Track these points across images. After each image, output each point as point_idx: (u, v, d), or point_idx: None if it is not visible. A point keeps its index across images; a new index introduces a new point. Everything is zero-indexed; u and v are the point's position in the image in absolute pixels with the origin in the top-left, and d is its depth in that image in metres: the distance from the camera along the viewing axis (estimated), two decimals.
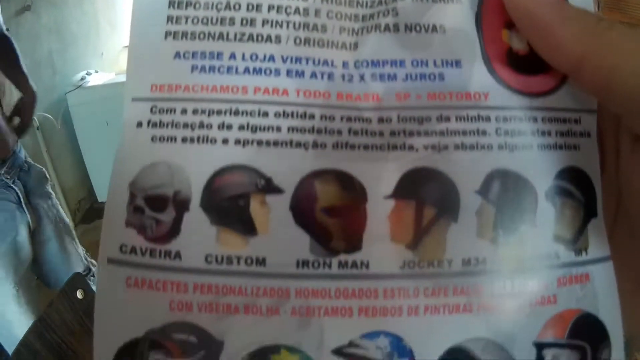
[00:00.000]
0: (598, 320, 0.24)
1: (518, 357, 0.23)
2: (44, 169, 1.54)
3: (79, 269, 1.48)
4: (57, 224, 1.51)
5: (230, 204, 0.23)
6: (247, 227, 0.22)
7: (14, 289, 1.31)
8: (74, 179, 3.29)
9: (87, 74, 4.92)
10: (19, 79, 1.45)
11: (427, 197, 0.23)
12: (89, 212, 3.31)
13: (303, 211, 0.23)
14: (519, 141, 0.24)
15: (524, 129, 0.24)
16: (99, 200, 3.37)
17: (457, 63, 0.24)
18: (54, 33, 3.60)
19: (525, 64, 0.24)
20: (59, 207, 1.55)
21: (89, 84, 4.55)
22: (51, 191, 1.54)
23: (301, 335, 0.22)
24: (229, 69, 0.24)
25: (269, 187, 0.22)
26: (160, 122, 0.24)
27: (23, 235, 1.35)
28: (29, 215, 1.38)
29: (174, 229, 0.23)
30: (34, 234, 1.42)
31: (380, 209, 0.23)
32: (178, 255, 0.22)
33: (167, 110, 0.24)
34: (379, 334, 0.22)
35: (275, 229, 0.23)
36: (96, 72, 5.10)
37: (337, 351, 0.22)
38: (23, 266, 1.37)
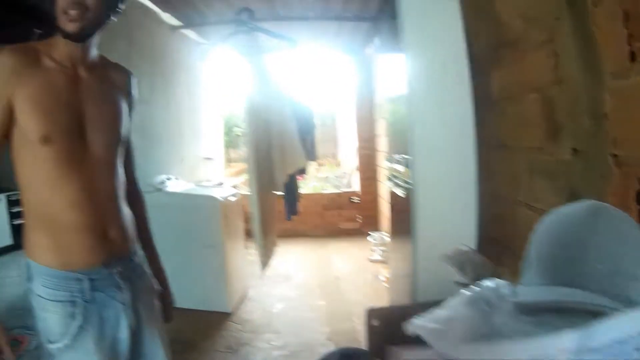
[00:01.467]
0: None
1: None
2: (152, 282, 1.67)
3: None
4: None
5: None
6: None
7: None
8: None
9: (167, 178, 5.00)
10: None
11: None
12: None
13: None
14: None
15: None
16: None
17: None
18: (139, 130, 3.37)
19: None
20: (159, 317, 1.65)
21: (168, 189, 4.62)
22: (155, 302, 1.64)
23: None
24: None
25: None
26: None
27: (124, 334, 1.44)
28: (132, 318, 1.46)
29: None
30: (134, 335, 1.47)
31: None
32: None
33: None
34: None
35: None
36: (176, 178, 5.17)
37: None
38: None
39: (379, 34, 5.97)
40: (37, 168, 1.34)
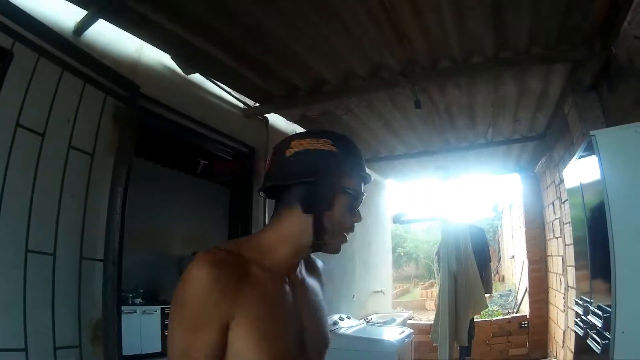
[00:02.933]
0: None
1: None
2: None
3: None
4: None
5: None
6: None
7: None
8: None
9: (340, 318, 4.94)
10: None
11: None
12: None
13: None
14: None
15: None
16: None
17: None
18: None
19: None
20: None
21: (340, 331, 4.49)
22: None
23: None
24: None
25: None
26: None
27: None
28: None
29: None
30: None
31: None
32: None
33: None
34: None
35: None
36: (348, 317, 5.14)
37: None
38: None
39: (547, 151, 5.78)
40: None
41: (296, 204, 1.12)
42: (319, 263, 1.37)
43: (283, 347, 1.06)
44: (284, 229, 1.14)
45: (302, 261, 1.25)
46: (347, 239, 1.18)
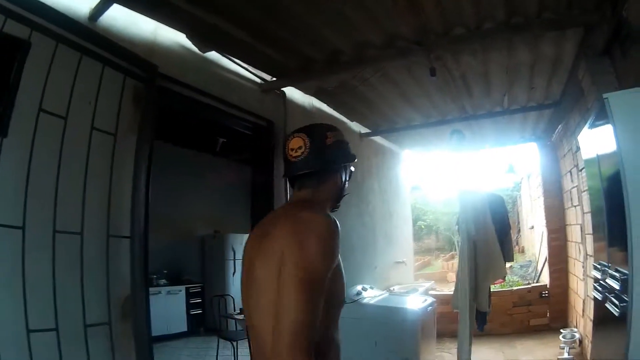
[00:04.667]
0: None
1: None
2: None
3: None
4: None
5: None
6: None
7: None
8: None
9: (363, 289, 5.00)
10: None
11: None
12: None
13: None
14: None
15: None
16: None
17: None
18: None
19: None
20: None
21: (364, 301, 4.58)
22: None
23: None
24: None
25: None
26: None
27: None
28: None
29: None
30: None
31: None
32: None
33: None
34: None
35: None
36: (371, 287, 5.14)
37: None
38: None
39: (563, 119, 5.74)
40: (330, 323, 1.45)
41: (331, 178, 1.60)
42: None
43: (343, 284, 1.51)
44: (324, 195, 1.59)
45: None
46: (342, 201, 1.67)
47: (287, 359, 1.18)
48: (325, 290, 1.31)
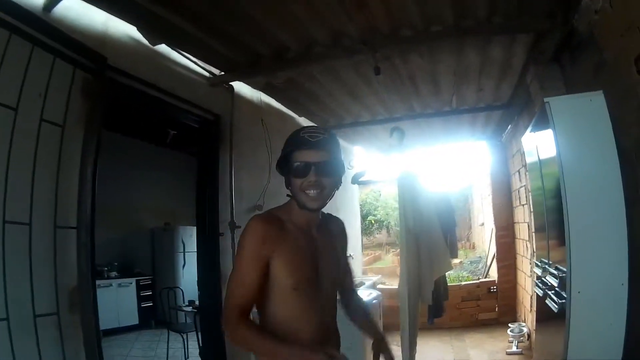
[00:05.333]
0: None
1: None
2: None
3: None
4: None
5: None
6: None
7: None
8: None
9: None
10: None
11: None
12: None
13: None
14: None
15: None
16: None
17: None
18: None
19: None
20: None
21: None
22: None
23: None
24: None
25: None
26: None
27: None
28: None
29: None
30: None
31: None
32: None
33: None
34: None
35: None
36: None
37: None
38: None
39: (512, 120, 5.95)
40: (283, 302, 1.69)
41: (286, 179, 1.75)
42: (342, 223, 2.00)
43: (302, 273, 1.69)
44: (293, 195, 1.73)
45: (325, 220, 1.88)
46: (312, 199, 1.67)
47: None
48: (249, 273, 1.63)
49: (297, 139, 1.68)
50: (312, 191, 1.65)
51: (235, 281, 1.65)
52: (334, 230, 1.93)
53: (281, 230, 1.68)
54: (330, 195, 1.71)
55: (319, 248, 1.77)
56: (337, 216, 1.99)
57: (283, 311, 1.70)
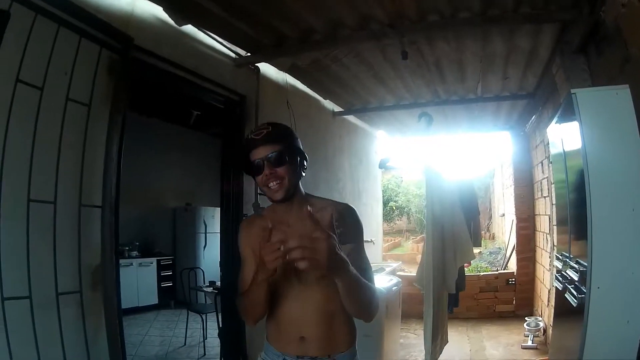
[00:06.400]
0: None
1: None
2: None
3: None
4: None
5: None
6: None
7: None
8: None
9: None
10: None
11: None
12: None
13: None
14: None
15: None
16: None
17: None
18: None
19: None
20: None
21: None
22: None
23: None
24: None
25: None
26: None
27: None
28: None
29: None
30: None
31: None
32: None
33: None
34: None
35: None
36: None
37: None
38: None
39: (537, 110, 5.85)
40: (268, 293, 1.69)
41: None
42: (333, 211, 1.82)
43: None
44: None
45: (317, 204, 1.80)
46: (274, 191, 1.71)
47: None
48: (243, 268, 1.84)
49: (246, 142, 1.74)
50: (272, 183, 1.69)
51: (240, 273, 1.87)
52: (325, 219, 1.80)
53: (261, 228, 1.66)
54: (293, 183, 1.74)
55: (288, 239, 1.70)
56: (347, 203, 1.92)
57: (272, 302, 1.78)
